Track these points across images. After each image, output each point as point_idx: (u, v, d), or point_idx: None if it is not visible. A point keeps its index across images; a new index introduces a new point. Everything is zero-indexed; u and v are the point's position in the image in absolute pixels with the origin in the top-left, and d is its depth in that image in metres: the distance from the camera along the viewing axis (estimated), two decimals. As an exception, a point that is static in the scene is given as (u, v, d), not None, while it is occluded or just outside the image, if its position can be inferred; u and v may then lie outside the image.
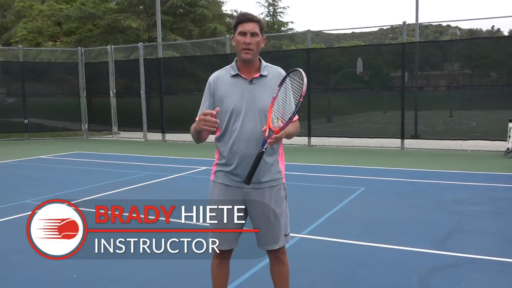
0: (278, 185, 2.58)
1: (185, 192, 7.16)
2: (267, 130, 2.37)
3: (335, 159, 10.48)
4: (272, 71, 2.56)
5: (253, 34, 2.42)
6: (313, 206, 6.01)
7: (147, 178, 8.18)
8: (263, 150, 2.35)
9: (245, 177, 2.38)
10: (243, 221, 2.59)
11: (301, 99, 2.36)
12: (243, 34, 2.43)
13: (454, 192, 6.72)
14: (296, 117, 2.51)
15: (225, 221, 2.53)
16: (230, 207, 2.53)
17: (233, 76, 2.52)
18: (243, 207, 2.56)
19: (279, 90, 2.47)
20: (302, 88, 2.37)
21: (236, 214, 2.54)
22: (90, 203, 6.30)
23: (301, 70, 2.41)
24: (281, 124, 2.38)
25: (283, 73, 2.56)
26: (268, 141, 2.34)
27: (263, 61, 2.56)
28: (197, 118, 2.49)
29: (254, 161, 2.36)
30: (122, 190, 7.21)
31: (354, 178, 7.97)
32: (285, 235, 2.63)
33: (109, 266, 3.98)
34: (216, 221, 2.55)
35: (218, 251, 2.63)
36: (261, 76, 2.51)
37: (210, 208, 2.59)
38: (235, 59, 2.55)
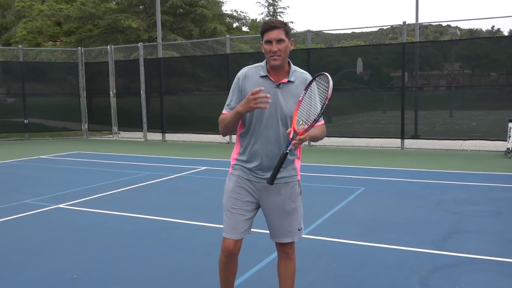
0: (293, 182, 2.64)
1: (185, 192, 7.16)
2: (292, 132, 2.40)
3: (335, 159, 10.48)
4: (299, 76, 2.58)
5: (279, 41, 2.45)
6: (313, 206, 6.00)
7: (147, 178, 8.17)
8: (287, 151, 2.39)
9: (269, 177, 2.42)
10: (255, 213, 2.69)
11: (327, 102, 2.39)
12: (269, 42, 2.46)
13: (454, 192, 6.72)
14: (322, 121, 2.60)
15: (237, 212, 2.62)
16: (245, 199, 2.63)
17: (262, 77, 2.55)
18: (256, 198, 2.64)
19: (305, 94, 2.50)
20: (327, 91, 2.39)
21: (249, 204, 2.64)
22: (90, 203, 6.31)
23: (327, 74, 2.45)
24: (306, 127, 2.41)
25: (309, 78, 2.59)
26: (292, 142, 2.38)
27: (292, 65, 2.59)
28: (223, 111, 2.57)
29: (278, 161, 2.41)
30: (122, 190, 7.21)
31: (354, 178, 7.97)
32: (299, 230, 2.70)
33: (109, 266, 3.98)
34: (230, 211, 2.64)
35: (226, 245, 2.70)
36: (289, 81, 2.55)
37: (225, 199, 2.69)
38: (265, 60, 2.57)
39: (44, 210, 6.00)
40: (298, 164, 2.69)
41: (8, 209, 6.08)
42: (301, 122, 2.43)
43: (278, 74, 2.54)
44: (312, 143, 12.92)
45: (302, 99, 2.49)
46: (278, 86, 2.53)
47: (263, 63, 2.58)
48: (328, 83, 2.40)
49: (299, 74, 2.59)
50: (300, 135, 2.38)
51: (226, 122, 2.52)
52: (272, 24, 2.45)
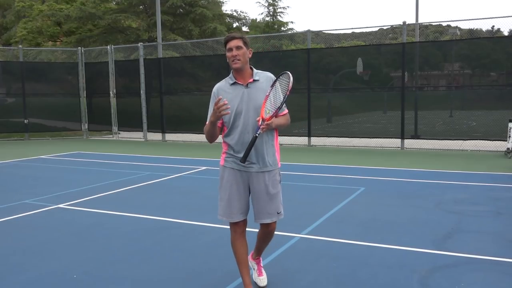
0: (274, 170, 3.18)
1: (185, 192, 7.16)
2: (260, 120, 2.96)
3: (335, 159, 10.48)
4: (263, 75, 3.16)
5: (237, 48, 3.03)
6: (313, 206, 6.01)
7: (147, 178, 8.18)
8: (257, 135, 2.92)
9: (242, 157, 2.93)
10: (247, 198, 3.19)
11: (288, 93, 2.99)
12: (230, 49, 3.04)
13: (454, 192, 6.72)
14: (286, 111, 3.18)
15: (232, 198, 3.13)
16: (239, 187, 3.14)
17: (232, 84, 3.11)
18: (247, 185, 3.16)
19: (271, 90, 3.07)
20: (288, 84, 2.99)
21: (241, 191, 3.14)
22: (90, 203, 6.31)
23: (288, 72, 3.04)
24: (271, 114, 2.98)
25: (273, 76, 3.16)
26: (261, 127, 2.92)
27: (254, 69, 3.15)
28: (207, 122, 3.04)
29: (249, 144, 2.93)
30: (122, 190, 7.21)
31: (354, 178, 7.97)
32: (278, 213, 3.21)
33: (109, 266, 3.98)
34: (225, 198, 3.15)
35: (237, 226, 3.17)
36: (254, 80, 3.11)
37: (220, 188, 3.19)
38: (231, 71, 3.12)
39: (44, 210, 6.00)
40: (278, 156, 3.22)
41: (8, 209, 6.08)
42: (268, 111, 3.00)
43: (243, 78, 3.10)
44: (312, 143, 12.92)
45: (269, 94, 3.06)
46: (246, 86, 3.09)
47: (230, 75, 3.14)
48: (289, 78, 3.00)
49: (262, 74, 3.17)
50: (267, 121, 2.94)
51: (207, 131, 3.08)
52: (232, 36, 3.08)
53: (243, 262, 3.23)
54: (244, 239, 3.24)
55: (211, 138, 3.11)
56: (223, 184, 3.18)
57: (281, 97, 3.04)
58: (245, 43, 3.06)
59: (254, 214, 3.21)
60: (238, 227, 3.18)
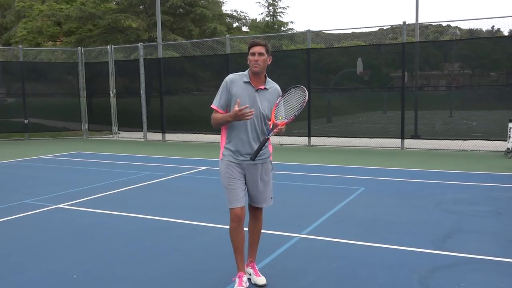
0: (267, 161, 3.53)
1: (185, 192, 7.16)
2: (272, 124, 3.30)
3: (335, 159, 10.48)
4: (273, 86, 3.49)
5: (260, 54, 3.34)
6: (313, 206, 6.01)
7: (147, 178, 8.18)
8: (268, 137, 3.28)
9: (252, 155, 3.24)
10: (245, 186, 3.48)
11: (304, 104, 3.34)
12: (253, 54, 3.35)
13: (454, 192, 6.72)
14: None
15: (234, 186, 3.39)
16: (236, 177, 3.41)
17: (245, 82, 3.39)
18: (243, 174, 3.45)
19: (282, 98, 3.41)
20: (305, 98, 3.36)
21: (238, 181, 3.42)
22: (90, 203, 6.31)
23: (303, 87, 3.44)
24: (285, 121, 3.34)
25: (279, 88, 3.50)
26: (274, 131, 3.26)
27: (267, 78, 3.46)
28: (212, 106, 3.40)
29: (260, 143, 3.27)
30: (122, 190, 7.21)
31: (354, 178, 7.97)
32: (271, 198, 3.58)
33: (109, 266, 3.98)
34: (228, 188, 3.41)
35: (234, 214, 3.37)
36: (265, 88, 3.42)
37: (222, 180, 3.44)
38: (248, 69, 3.41)
39: (44, 210, 6.00)
40: (270, 148, 3.55)
41: (8, 209, 6.08)
42: (280, 117, 3.34)
43: (257, 81, 3.40)
44: (312, 143, 12.92)
45: (279, 102, 3.39)
46: (257, 90, 3.39)
47: (245, 72, 3.42)
48: (305, 92, 3.39)
49: (272, 84, 3.50)
50: (280, 126, 3.27)
51: (218, 122, 3.39)
52: (257, 42, 3.38)
53: (239, 249, 3.40)
54: (242, 228, 3.41)
55: (218, 126, 3.43)
56: (222, 176, 3.45)
57: (295, 107, 3.37)
58: (267, 51, 3.37)
59: (250, 199, 3.53)
60: (236, 215, 3.36)
